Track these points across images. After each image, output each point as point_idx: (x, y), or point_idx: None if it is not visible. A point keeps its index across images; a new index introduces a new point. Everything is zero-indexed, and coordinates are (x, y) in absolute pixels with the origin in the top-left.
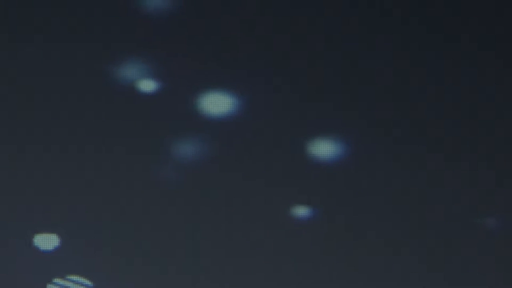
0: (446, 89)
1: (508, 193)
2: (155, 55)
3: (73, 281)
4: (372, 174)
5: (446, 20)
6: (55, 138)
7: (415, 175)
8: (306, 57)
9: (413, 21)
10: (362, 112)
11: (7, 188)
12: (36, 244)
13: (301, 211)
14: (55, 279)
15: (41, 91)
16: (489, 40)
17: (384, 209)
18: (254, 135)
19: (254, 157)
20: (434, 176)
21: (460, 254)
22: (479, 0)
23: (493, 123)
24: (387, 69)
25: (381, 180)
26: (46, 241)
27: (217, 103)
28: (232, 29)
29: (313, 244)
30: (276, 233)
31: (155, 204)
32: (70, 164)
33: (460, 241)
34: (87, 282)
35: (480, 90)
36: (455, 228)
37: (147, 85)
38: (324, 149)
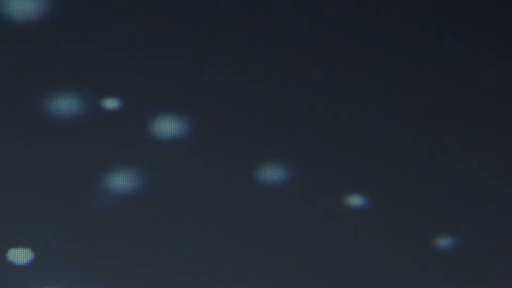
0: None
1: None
2: (108, 78)
3: None
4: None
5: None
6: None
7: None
8: (256, 80)
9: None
10: (311, 138)
11: None
12: (10, 259)
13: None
14: None
15: None
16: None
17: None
18: (206, 159)
19: (203, 181)
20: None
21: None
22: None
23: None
24: (336, 97)
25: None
26: (20, 256)
27: (169, 127)
28: (183, 54)
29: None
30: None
31: (131, 217)
32: (41, 178)
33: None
34: None
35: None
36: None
37: (105, 105)
38: (273, 173)
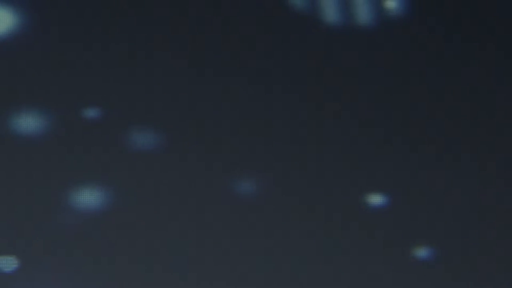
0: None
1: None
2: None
3: None
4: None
5: None
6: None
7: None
8: (230, 95)
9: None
10: (277, 154)
11: None
12: None
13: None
14: None
15: None
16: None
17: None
18: (179, 171)
19: (176, 192)
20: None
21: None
22: None
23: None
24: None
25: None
26: (6, 263)
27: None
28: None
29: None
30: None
31: (109, 228)
32: (28, 185)
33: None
34: None
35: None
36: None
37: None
38: (245, 184)
